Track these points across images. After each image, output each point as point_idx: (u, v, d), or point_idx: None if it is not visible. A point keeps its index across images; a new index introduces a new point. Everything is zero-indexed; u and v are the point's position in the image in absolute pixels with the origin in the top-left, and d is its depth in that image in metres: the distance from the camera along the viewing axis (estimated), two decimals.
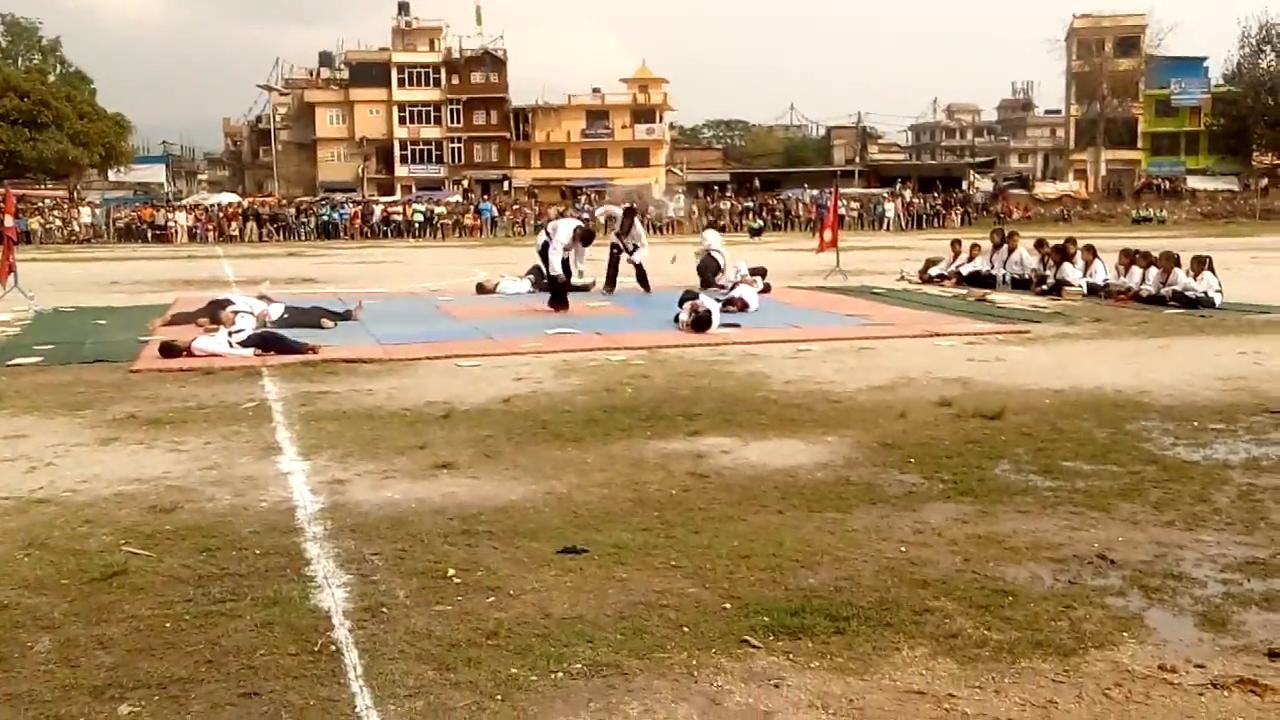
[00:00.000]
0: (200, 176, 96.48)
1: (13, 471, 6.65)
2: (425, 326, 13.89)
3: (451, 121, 79.19)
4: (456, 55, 79.26)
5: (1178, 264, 16.05)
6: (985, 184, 69.00)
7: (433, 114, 79.28)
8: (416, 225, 54.99)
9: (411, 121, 79.16)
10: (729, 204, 61.22)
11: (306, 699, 3.59)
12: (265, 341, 11.48)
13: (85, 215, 54.09)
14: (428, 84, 79.24)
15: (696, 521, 5.47)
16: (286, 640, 4.04)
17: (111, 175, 72.51)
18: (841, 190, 36.95)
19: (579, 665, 3.81)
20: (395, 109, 78.80)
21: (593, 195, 64.92)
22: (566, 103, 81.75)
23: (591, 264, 18.04)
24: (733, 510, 5.67)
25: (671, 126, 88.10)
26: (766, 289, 16.99)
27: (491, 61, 79.19)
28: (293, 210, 56.53)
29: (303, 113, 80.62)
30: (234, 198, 64.89)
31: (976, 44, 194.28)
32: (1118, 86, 73.91)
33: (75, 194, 64.41)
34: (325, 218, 54.79)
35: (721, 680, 3.71)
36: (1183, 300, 15.25)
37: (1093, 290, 17.01)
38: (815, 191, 59.30)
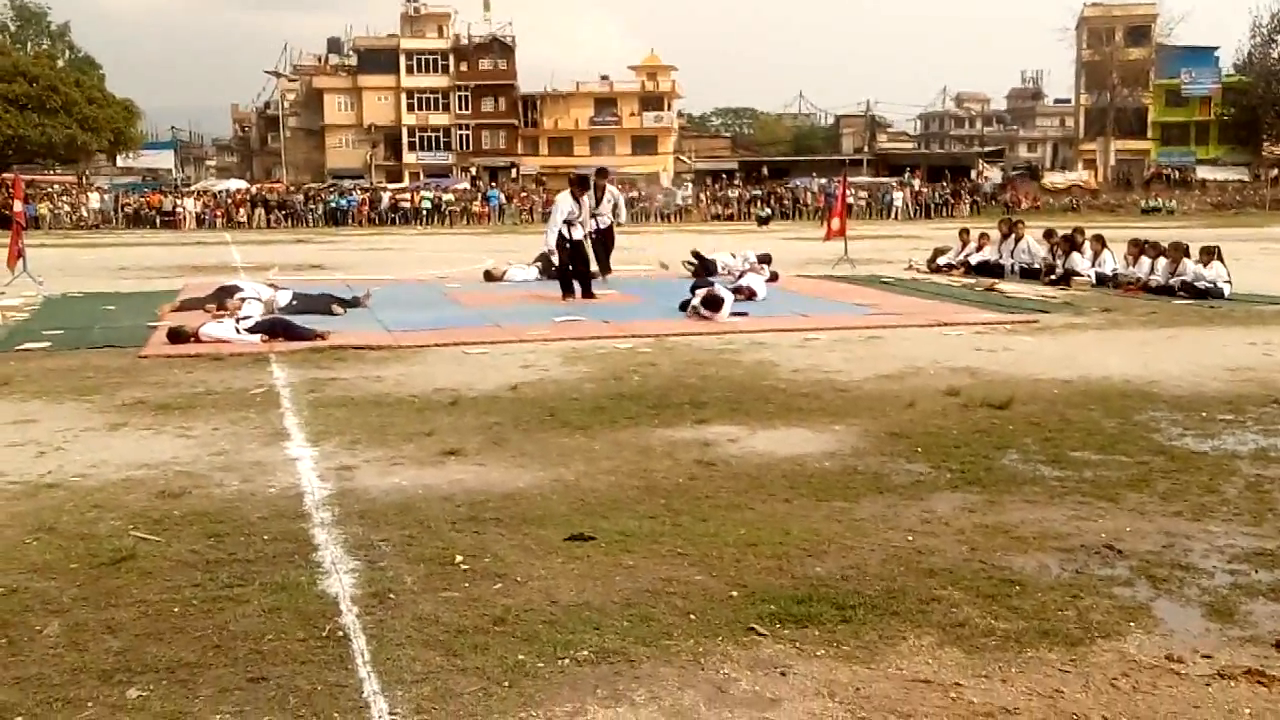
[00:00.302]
0: (209, 163, 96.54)
1: (22, 456, 6.67)
2: (433, 313, 13.90)
3: (460, 108, 79.12)
4: (465, 42, 79.17)
5: (1187, 254, 16.00)
6: (994, 173, 68.89)
7: (441, 101, 79.20)
8: (424, 212, 55.02)
9: (420, 108, 79.11)
10: (737, 192, 61.11)
11: (314, 684, 3.60)
12: (273, 328, 11.49)
13: (94, 201, 54.13)
14: (436, 71, 79.15)
15: (703, 509, 5.47)
16: (294, 625, 4.05)
17: (120, 161, 72.56)
18: (850, 179, 36.88)
19: (586, 652, 3.82)
20: (403, 96, 78.72)
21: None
22: (575, 90, 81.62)
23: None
24: (740, 498, 5.68)
25: (680, 114, 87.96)
26: (774, 277, 17.00)
27: (500, 48, 79.10)
28: (301, 197, 56.52)
29: (311, 99, 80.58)
30: (242, 184, 64.89)
31: (986, 33, 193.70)
32: (1128, 76, 73.68)
33: (84, 179, 64.48)
34: (333, 204, 54.79)
35: (728, 668, 3.71)
36: (1192, 291, 15.20)
37: (1101, 280, 16.98)
38: (824, 180, 59.19)
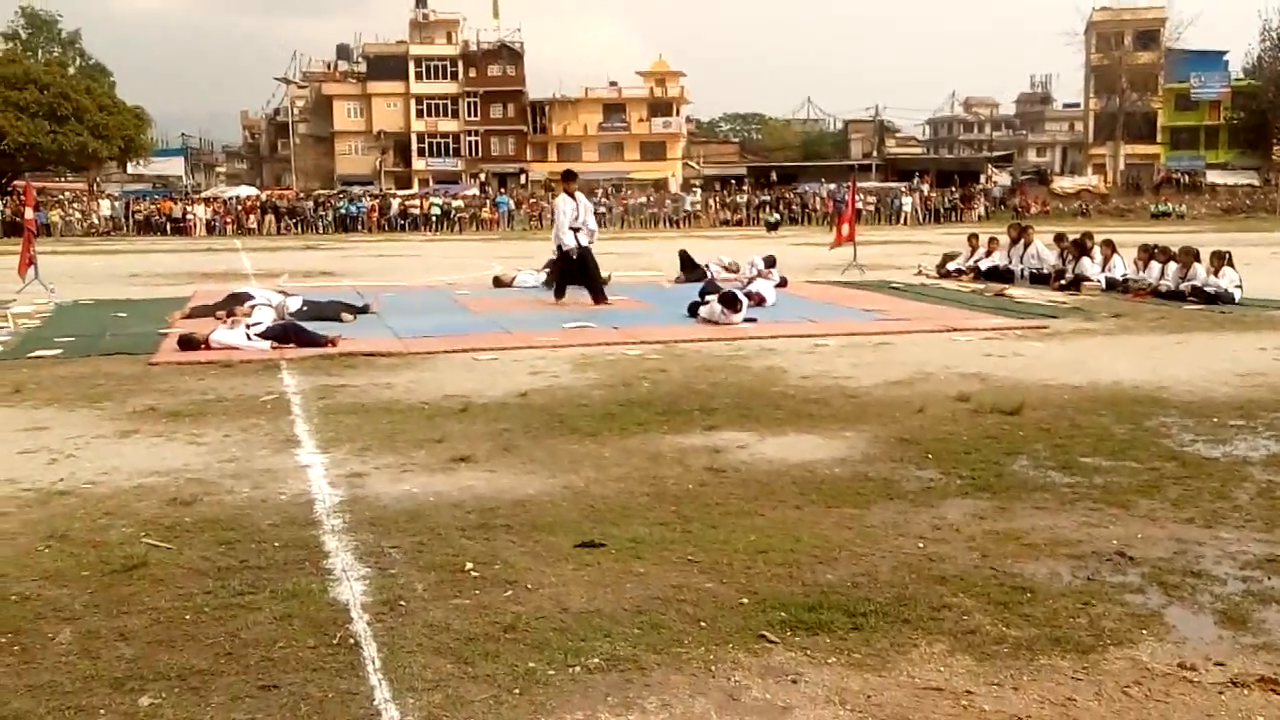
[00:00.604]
0: (218, 169, 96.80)
1: (34, 463, 6.69)
2: (443, 320, 13.92)
3: (469, 115, 79.29)
4: (474, 48, 79.37)
5: (1197, 259, 15.96)
6: (1003, 178, 68.74)
7: (450, 107, 79.37)
8: (434, 219, 55.10)
9: (429, 115, 79.30)
10: (745, 198, 61.10)
11: (325, 691, 3.60)
12: (284, 333, 11.52)
13: (104, 208, 54.32)
14: (445, 77, 79.34)
15: (714, 516, 5.47)
16: (305, 633, 4.06)
17: (131, 168, 72.85)
18: (859, 184, 36.86)
19: (596, 659, 3.82)
20: (413, 102, 78.92)
21: (608, 189, 64.94)
22: (583, 96, 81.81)
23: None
24: (750, 505, 5.67)
25: (688, 120, 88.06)
26: (783, 283, 16.99)
27: (509, 54, 79.24)
28: (310, 203, 56.67)
29: (320, 106, 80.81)
30: (252, 191, 65.10)
31: (994, 37, 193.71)
32: (1137, 80, 73.58)
33: (95, 187, 64.77)
34: (343, 211, 54.92)
35: (739, 675, 3.71)
36: (1202, 295, 15.15)
37: (1111, 285, 16.94)
38: (832, 185, 59.18)
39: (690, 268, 19.38)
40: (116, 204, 55.78)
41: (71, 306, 16.31)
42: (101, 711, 3.50)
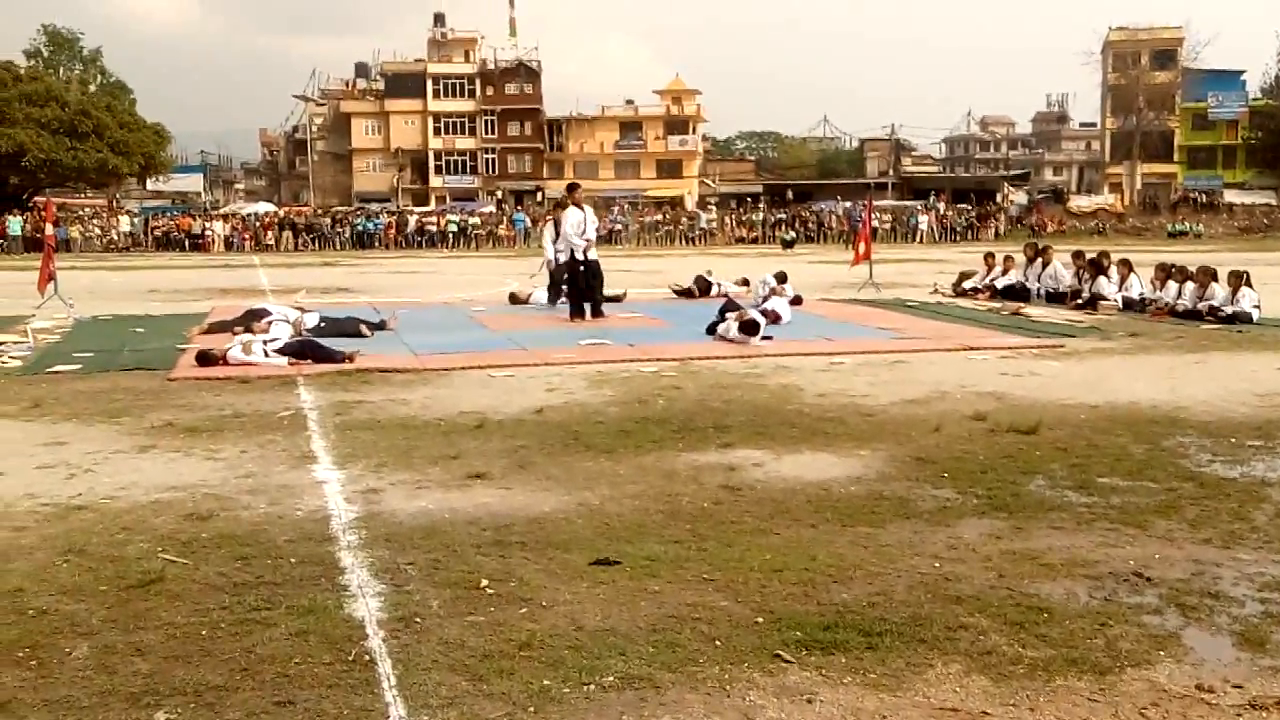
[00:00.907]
0: (237, 186, 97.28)
1: (52, 478, 6.73)
2: (459, 336, 13.95)
3: (486, 132, 79.61)
4: (491, 66, 79.72)
5: (1215, 278, 15.91)
6: (1020, 197, 68.64)
7: (467, 125, 79.72)
8: (451, 235, 55.30)
9: (446, 132, 79.64)
10: (761, 215, 61.16)
11: (341, 708, 3.61)
12: (301, 350, 11.56)
13: (124, 224, 54.70)
14: (462, 95, 79.71)
15: (729, 534, 5.47)
16: (321, 649, 4.07)
17: (150, 184, 73.23)
18: (874, 202, 36.85)
19: (611, 678, 3.82)
20: (430, 120, 79.28)
21: (624, 206, 65.12)
22: (600, 114, 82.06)
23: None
24: (765, 524, 5.67)
25: (704, 138, 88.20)
26: (798, 300, 16.97)
27: (526, 73, 79.58)
28: (328, 220, 56.94)
29: (339, 123, 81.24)
30: (270, 207, 65.46)
31: (1011, 56, 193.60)
32: (1154, 99, 73.45)
33: (115, 203, 65.14)
34: (360, 228, 55.17)
35: (754, 695, 3.70)
36: (1219, 315, 15.10)
37: (1128, 305, 16.89)
38: (848, 204, 59.19)
39: (704, 290, 19.44)
40: (136, 220, 56.16)
41: (90, 322, 16.40)
42: None
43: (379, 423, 8.41)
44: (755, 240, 56.82)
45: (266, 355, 11.41)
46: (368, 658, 3.99)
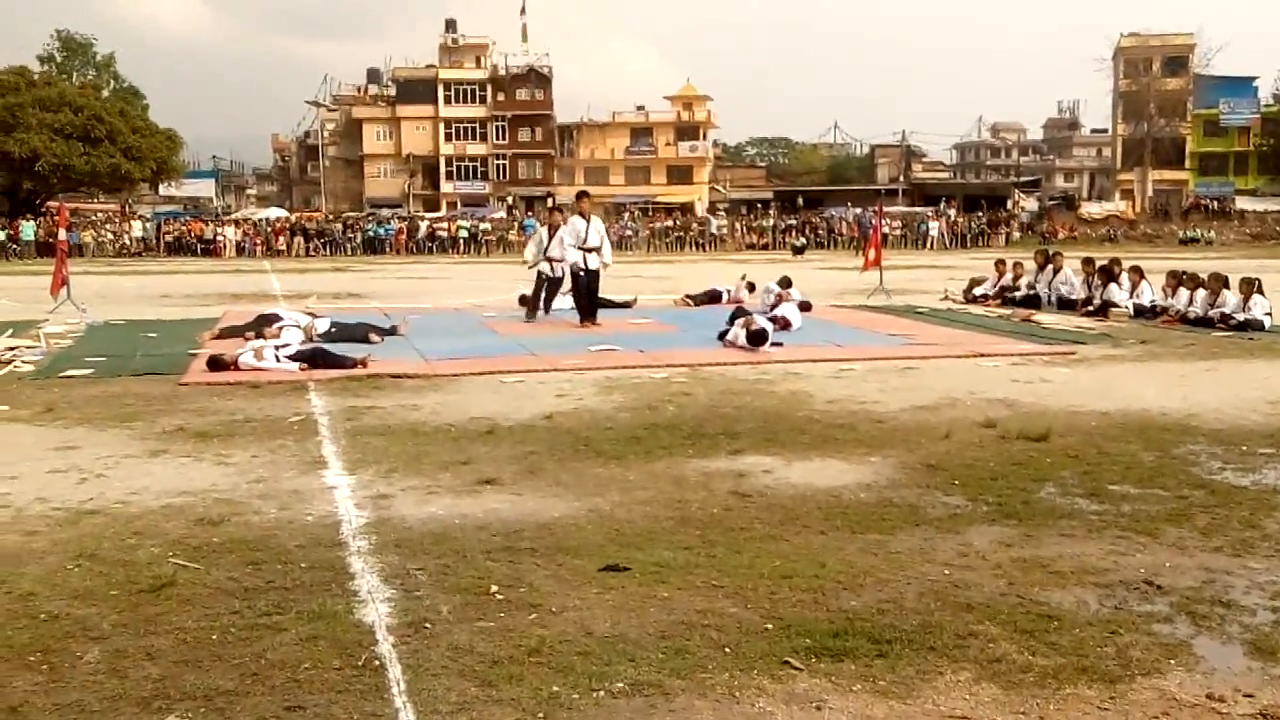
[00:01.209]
0: (249, 191, 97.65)
1: (64, 483, 6.75)
2: (469, 342, 13.97)
3: (497, 138, 79.72)
4: (502, 72, 79.84)
5: (1226, 285, 15.87)
6: (1030, 203, 68.51)
7: (478, 130, 79.86)
8: (461, 241, 55.36)
9: (457, 138, 79.77)
10: (772, 221, 61.14)
11: (350, 713, 3.62)
12: (313, 357, 11.57)
13: (136, 229, 54.88)
14: (474, 101, 79.84)
15: (738, 541, 5.47)
16: (331, 655, 4.07)
17: (162, 190, 73.48)
18: (885, 209, 36.83)
19: (621, 684, 3.82)
20: (441, 125, 79.43)
21: (635, 212, 65.17)
22: (611, 120, 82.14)
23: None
24: (775, 530, 5.66)
25: (715, 144, 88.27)
26: (807, 306, 16.90)
27: (537, 78, 79.69)
28: (339, 226, 57.04)
29: (350, 129, 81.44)
30: (282, 213, 65.65)
31: (1022, 62, 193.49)
32: (1165, 106, 73.31)
33: (127, 208, 65.34)
34: (371, 233, 55.24)
35: (763, 702, 3.70)
36: (1231, 322, 15.06)
37: (1139, 312, 16.85)
38: (859, 210, 59.13)
39: (713, 299, 19.44)
40: (148, 225, 56.35)
41: (103, 326, 16.45)
42: None
43: (389, 428, 8.42)
44: (766, 246, 56.78)
45: (278, 360, 11.44)
46: (377, 663, 4.00)
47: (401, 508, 6.12)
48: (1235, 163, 75.35)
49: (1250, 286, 15.51)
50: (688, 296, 19.82)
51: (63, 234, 21.18)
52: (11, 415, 9.14)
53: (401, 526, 5.75)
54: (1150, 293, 17.26)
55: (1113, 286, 17.53)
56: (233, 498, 6.37)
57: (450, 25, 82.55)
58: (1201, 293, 16.11)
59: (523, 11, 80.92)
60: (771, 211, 66.33)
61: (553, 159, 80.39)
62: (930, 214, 61.52)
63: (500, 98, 79.43)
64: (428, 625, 4.36)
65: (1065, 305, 18.22)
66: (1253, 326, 14.88)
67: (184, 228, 55.57)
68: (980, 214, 62.83)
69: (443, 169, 79.43)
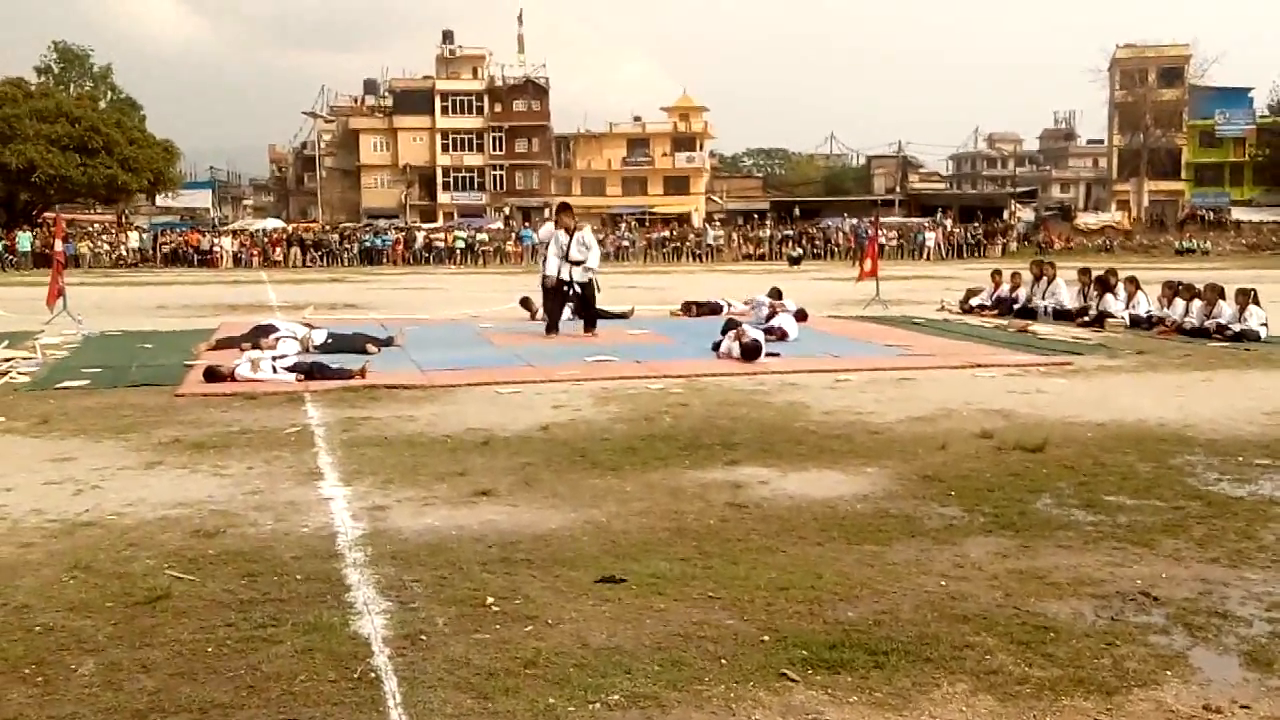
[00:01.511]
0: (246, 202, 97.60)
1: (60, 494, 6.74)
2: (466, 353, 13.95)
3: (494, 149, 79.88)
4: (499, 83, 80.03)
5: (1222, 296, 15.89)
6: (1027, 214, 68.69)
7: (475, 141, 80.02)
8: (458, 252, 55.42)
9: (454, 149, 79.92)
10: (768, 232, 61.23)
11: None
12: (309, 370, 11.56)
13: (133, 240, 54.92)
14: (471, 112, 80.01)
15: (735, 552, 5.46)
16: (326, 667, 4.07)
17: (159, 200, 73.54)
18: (881, 219, 36.87)
19: (617, 696, 3.81)
20: (438, 136, 79.58)
21: (632, 223, 65.22)
22: (608, 131, 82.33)
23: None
24: (771, 541, 5.66)
25: (712, 155, 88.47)
26: (803, 316, 16.84)
27: (534, 89, 79.87)
28: (336, 236, 57.10)
29: (347, 140, 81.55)
30: (279, 223, 65.69)
31: (1018, 73, 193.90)
32: (1161, 117, 73.55)
33: (124, 219, 65.39)
34: (368, 244, 55.32)
35: (759, 714, 3.70)
36: (1227, 333, 15.08)
37: (1135, 322, 16.87)
38: (855, 220, 59.25)
39: (714, 310, 19.44)
40: (145, 236, 56.39)
41: (99, 338, 16.44)
42: None
43: (385, 439, 8.41)
44: (762, 257, 56.89)
45: (274, 371, 11.43)
46: (373, 675, 3.99)
47: (397, 519, 6.12)
48: (1231, 173, 75.57)
49: (1246, 297, 15.54)
50: (691, 304, 19.73)
51: (59, 245, 21.18)
52: (7, 426, 9.12)
53: (397, 538, 5.74)
54: (1146, 303, 17.28)
55: (1109, 297, 17.57)
56: (228, 509, 6.35)
57: (447, 36, 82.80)
58: (1197, 303, 16.13)
59: (520, 22, 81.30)
60: (768, 222, 66.52)
61: (549, 170, 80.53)
62: (926, 224, 61.71)
63: (497, 109, 79.61)
64: (424, 637, 4.35)
65: (1061, 316, 18.24)
66: (1249, 337, 14.91)
67: (181, 238, 55.65)
68: (976, 224, 62.99)
69: (439, 180, 79.57)
